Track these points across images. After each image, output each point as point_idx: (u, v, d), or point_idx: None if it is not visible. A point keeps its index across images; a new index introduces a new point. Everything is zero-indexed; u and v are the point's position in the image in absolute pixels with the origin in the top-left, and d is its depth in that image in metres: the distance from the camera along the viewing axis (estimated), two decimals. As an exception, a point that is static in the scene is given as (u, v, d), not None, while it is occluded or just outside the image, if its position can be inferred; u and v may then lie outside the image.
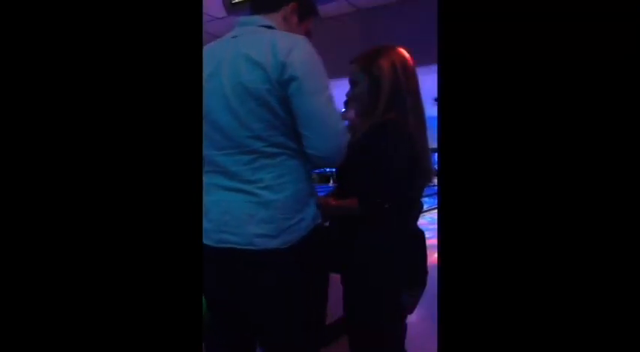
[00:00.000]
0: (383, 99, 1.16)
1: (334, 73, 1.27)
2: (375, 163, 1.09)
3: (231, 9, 3.94)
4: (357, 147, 1.19)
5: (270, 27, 1.16)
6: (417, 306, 1.26)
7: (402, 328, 1.26)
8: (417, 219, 1.25)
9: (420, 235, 1.23)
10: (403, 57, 1.19)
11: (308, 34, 1.25)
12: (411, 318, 1.26)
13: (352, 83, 1.25)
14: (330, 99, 1.07)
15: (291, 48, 1.02)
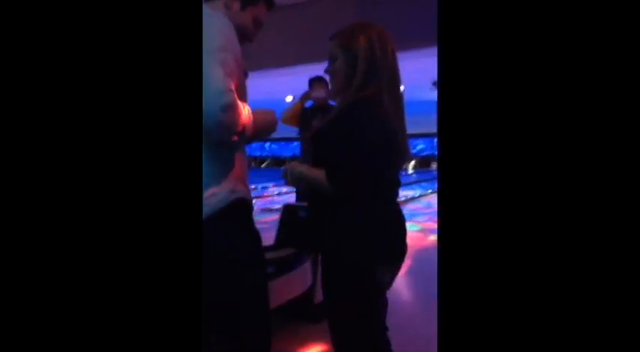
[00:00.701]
0: (358, 76, 1.14)
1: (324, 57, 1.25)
2: (346, 142, 1.08)
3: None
4: (330, 125, 1.18)
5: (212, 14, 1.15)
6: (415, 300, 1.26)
7: (382, 304, 1.25)
8: (394, 197, 1.23)
9: (397, 213, 1.22)
10: (382, 34, 1.15)
11: (257, 22, 1.25)
12: (407, 301, 1.27)
13: (330, 59, 1.24)
14: (216, 62, 1.01)
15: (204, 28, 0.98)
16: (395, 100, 1.14)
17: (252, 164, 17.94)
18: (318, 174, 1.12)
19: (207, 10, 1.09)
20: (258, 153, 17.69)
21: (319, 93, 2.90)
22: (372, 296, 1.14)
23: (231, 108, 1.00)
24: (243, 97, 1.14)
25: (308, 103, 3.03)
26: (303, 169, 1.16)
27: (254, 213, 1.28)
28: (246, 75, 1.22)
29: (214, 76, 0.99)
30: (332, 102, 2.95)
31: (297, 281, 2.06)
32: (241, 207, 1.16)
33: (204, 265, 0.84)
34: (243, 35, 1.21)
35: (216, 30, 1.06)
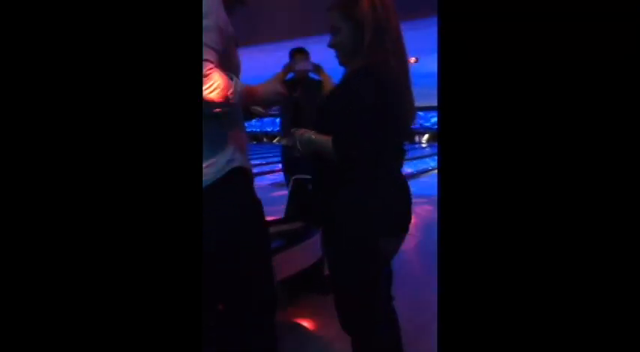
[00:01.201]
0: (366, 42, 1.10)
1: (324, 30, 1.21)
2: (355, 109, 1.07)
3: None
4: (338, 93, 1.16)
5: None
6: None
7: (386, 274, 1.25)
8: (399, 167, 1.23)
9: (402, 182, 1.22)
10: None
11: None
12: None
13: (333, 31, 1.20)
14: (204, 30, 1.00)
15: None
16: (401, 62, 1.12)
17: (265, 139, 17.96)
18: (326, 139, 1.11)
19: None
20: (270, 129, 17.65)
21: (303, 65, 2.78)
22: (375, 267, 1.15)
23: (206, 81, 0.98)
24: (232, 67, 1.12)
25: (288, 76, 2.96)
26: (312, 134, 1.15)
27: (256, 183, 1.27)
28: (236, 44, 1.19)
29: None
30: (312, 75, 2.89)
31: (307, 254, 2.10)
32: (240, 176, 1.16)
33: (205, 233, 0.85)
34: None
35: None
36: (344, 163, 1.10)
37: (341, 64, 1.20)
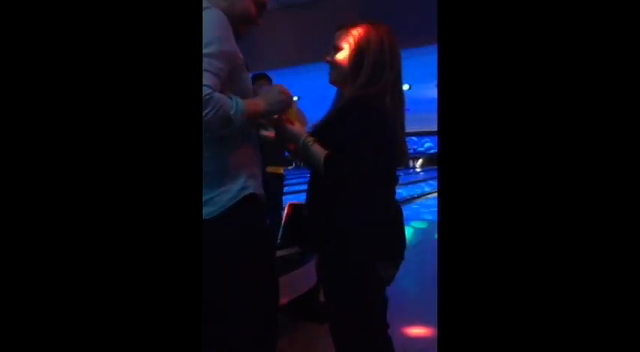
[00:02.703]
0: (365, 73, 1.14)
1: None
2: (345, 136, 1.09)
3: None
4: (332, 119, 1.17)
5: (207, 7, 1.15)
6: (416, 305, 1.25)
7: (382, 301, 1.22)
8: (392, 194, 1.24)
9: (396, 208, 1.22)
10: (391, 35, 1.17)
11: (259, 5, 1.22)
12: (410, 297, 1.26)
13: (335, 49, 1.23)
14: (206, 56, 1.03)
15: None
16: (397, 101, 1.15)
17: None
18: (321, 153, 1.12)
19: (208, 7, 1.10)
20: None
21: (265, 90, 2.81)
22: (370, 295, 1.14)
23: (206, 106, 1.00)
24: (242, 92, 1.14)
25: None
26: (312, 143, 1.15)
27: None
28: (247, 69, 1.21)
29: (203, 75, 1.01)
30: None
31: (302, 280, 2.07)
32: (252, 203, 1.16)
33: (216, 262, 0.83)
34: (248, 21, 1.20)
35: (207, 21, 1.06)
36: (334, 183, 1.11)
37: (331, 82, 1.22)
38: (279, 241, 2.47)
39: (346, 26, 1.18)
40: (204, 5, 1.11)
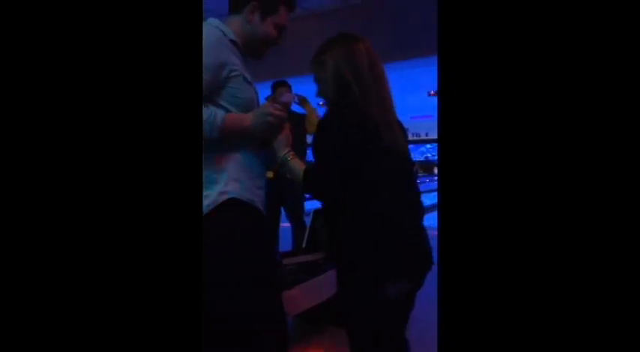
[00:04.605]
0: (330, 94, 1.17)
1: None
2: (319, 148, 1.14)
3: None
4: (317, 130, 1.18)
5: (216, 26, 1.19)
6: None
7: (396, 316, 1.16)
8: (394, 204, 1.16)
9: (407, 220, 1.17)
10: (352, 51, 1.18)
11: (279, 28, 1.25)
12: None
13: (316, 82, 1.24)
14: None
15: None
16: (384, 109, 1.17)
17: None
18: (300, 168, 1.17)
19: (218, 27, 1.17)
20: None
21: (285, 97, 2.80)
22: (382, 309, 1.11)
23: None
24: (241, 103, 1.17)
25: None
26: (292, 158, 1.19)
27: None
28: (248, 81, 1.21)
29: None
30: (296, 108, 2.94)
31: (326, 286, 2.10)
32: (234, 207, 1.15)
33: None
34: (269, 43, 1.26)
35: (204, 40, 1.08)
36: (314, 198, 1.16)
37: (317, 96, 1.28)
38: (304, 246, 2.50)
39: (313, 57, 1.24)
40: (217, 24, 1.18)
